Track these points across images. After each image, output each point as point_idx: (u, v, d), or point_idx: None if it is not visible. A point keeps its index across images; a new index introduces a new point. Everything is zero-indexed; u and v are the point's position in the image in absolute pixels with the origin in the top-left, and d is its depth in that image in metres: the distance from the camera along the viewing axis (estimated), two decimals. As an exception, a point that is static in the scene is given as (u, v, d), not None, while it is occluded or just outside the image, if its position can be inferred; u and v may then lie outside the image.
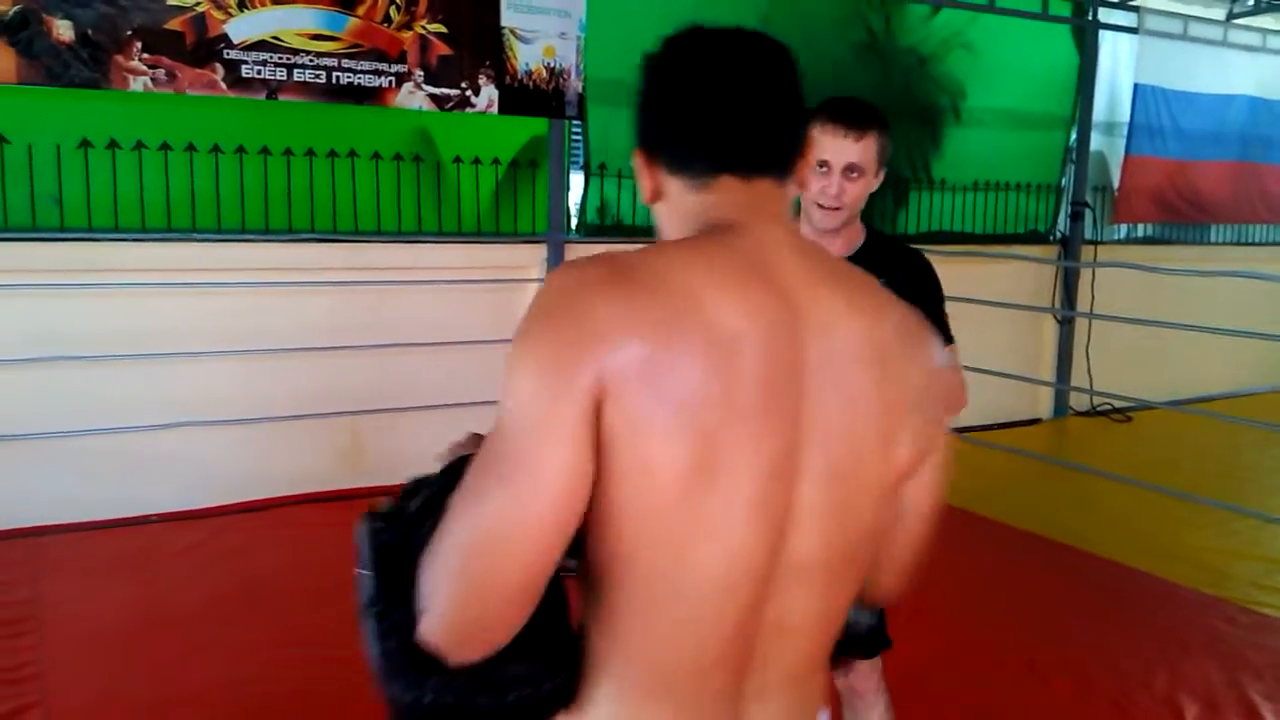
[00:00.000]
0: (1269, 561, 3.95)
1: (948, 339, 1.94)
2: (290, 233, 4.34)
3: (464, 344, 4.57)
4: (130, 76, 3.75)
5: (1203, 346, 5.77)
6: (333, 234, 4.42)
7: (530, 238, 4.83)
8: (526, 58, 4.48)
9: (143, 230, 4.05)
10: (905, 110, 5.88)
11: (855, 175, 1.84)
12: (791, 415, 0.88)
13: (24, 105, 3.85)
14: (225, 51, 3.87)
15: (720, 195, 0.96)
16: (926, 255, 1.98)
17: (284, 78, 3.97)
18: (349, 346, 4.37)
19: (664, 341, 0.83)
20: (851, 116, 1.83)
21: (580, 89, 4.63)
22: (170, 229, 4.10)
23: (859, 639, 1.86)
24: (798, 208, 1.95)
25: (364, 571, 0.99)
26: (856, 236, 1.95)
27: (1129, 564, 3.87)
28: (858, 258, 1.89)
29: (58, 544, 3.74)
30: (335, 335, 4.35)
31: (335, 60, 4.04)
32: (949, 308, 1.99)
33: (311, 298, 4.30)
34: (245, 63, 3.90)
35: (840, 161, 1.82)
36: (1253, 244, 7.68)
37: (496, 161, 4.79)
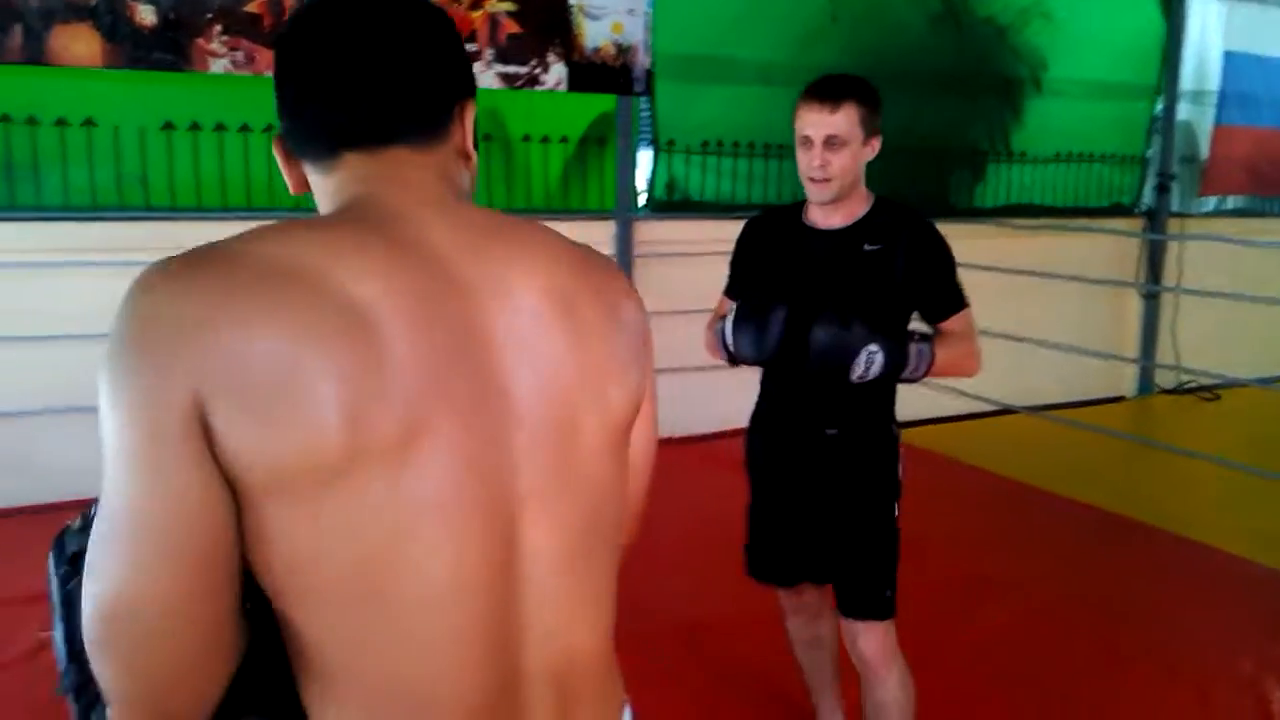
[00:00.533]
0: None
1: (959, 304, 1.98)
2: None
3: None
4: (210, 59, 3.84)
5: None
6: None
7: (599, 214, 4.84)
8: (594, 35, 4.47)
9: (224, 209, 4.16)
10: (983, 81, 5.72)
11: (837, 145, 1.88)
12: (479, 393, 0.77)
13: (109, 89, 3.97)
14: (300, 33, 3.94)
15: (348, 172, 0.85)
16: (935, 225, 2.01)
17: (357, 58, 4.03)
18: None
19: (279, 330, 0.70)
20: (826, 90, 1.89)
21: (648, 65, 4.61)
22: (250, 207, 4.20)
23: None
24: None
25: (55, 632, 0.80)
26: (860, 207, 1.98)
27: (1216, 546, 3.74)
28: (859, 227, 1.95)
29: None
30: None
31: (407, 39, 4.09)
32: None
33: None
34: (320, 44, 3.97)
35: (820, 134, 1.88)
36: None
37: (565, 139, 4.80)
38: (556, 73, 4.42)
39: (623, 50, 4.55)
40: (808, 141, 1.90)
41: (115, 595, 0.69)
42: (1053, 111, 5.83)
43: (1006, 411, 5.28)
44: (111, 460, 0.70)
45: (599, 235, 4.77)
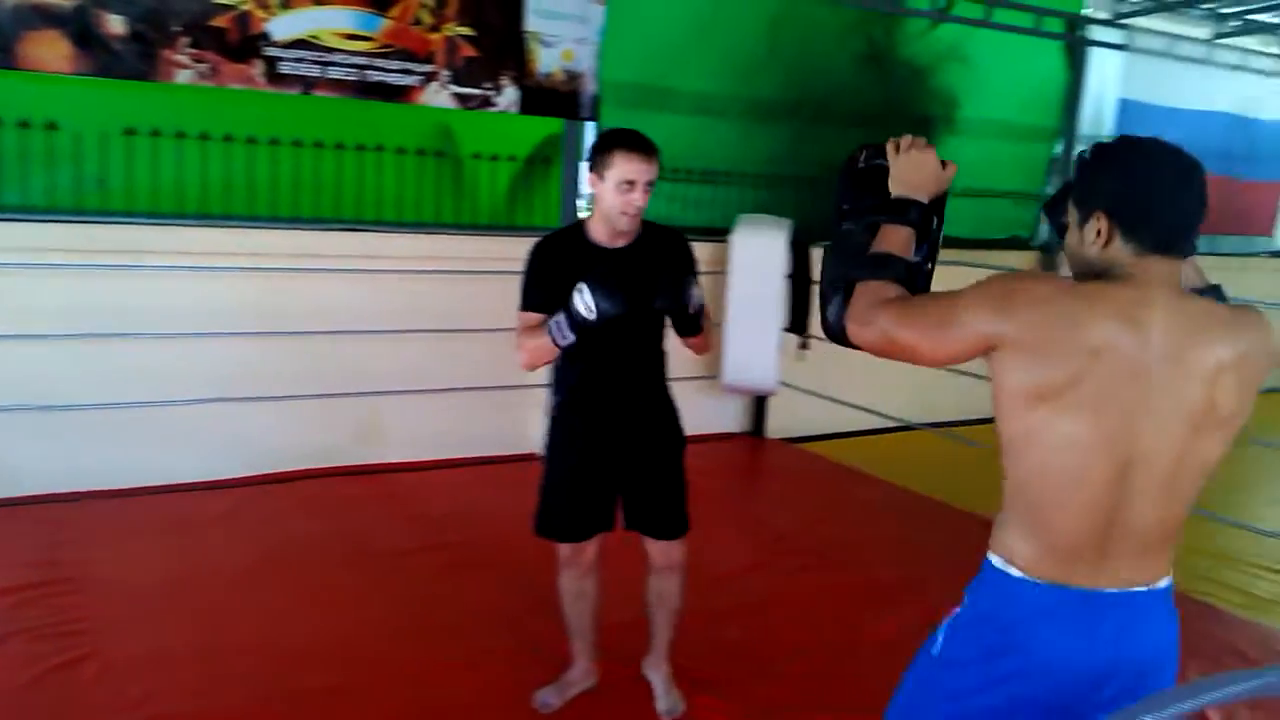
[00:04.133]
0: (1215, 557, 4.28)
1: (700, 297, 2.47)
2: (319, 221, 4.57)
3: (478, 331, 4.83)
4: (175, 69, 3.97)
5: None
6: (358, 223, 4.66)
7: (543, 230, 5.07)
8: (547, 61, 4.72)
9: (180, 215, 4.28)
10: (902, 119, 6.15)
11: (649, 188, 2.36)
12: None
13: (73, 94, 4.05)
14: (265, 48, 4.10)
15: (1151, 266, 1.44)
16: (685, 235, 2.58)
17: (318, 74, 4.20)
18: (371, 331, 4.62)
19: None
20: (646, 145, 2.35)
21: (595, 91, 4.87)
22: (206, 214, 4.33)
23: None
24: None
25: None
26: (637, 230, 2.46)
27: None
28: (637, 244, 2.46)
29: (97, 509, 4.00)
30: (359, 319, 4.59)
31: (367, 59, 4.27)
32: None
33: (337, 283, 4.54)
34: (283, 59, 4.13)
35: (644, 180, 2.34)
36: (1224, 255, 8.01)
37: (513, 158, 5.03)
38: (509, 95, 4.65)
39: (572, 77, 4.80)
40: (632, 185, 2.33)
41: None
42: (963, 149, 6.30)
43: (907, 428, 5.70)
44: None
45: (542, 250, 5.01)
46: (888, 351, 1.55)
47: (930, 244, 1.69)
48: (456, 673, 2.91)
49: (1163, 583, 1.50)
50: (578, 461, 2.58)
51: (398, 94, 4.38)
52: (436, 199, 4.86)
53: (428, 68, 4.42)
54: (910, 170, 1.64)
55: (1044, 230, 6.80)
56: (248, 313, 4.35)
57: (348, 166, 4.64)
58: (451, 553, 3.77)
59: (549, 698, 2.74)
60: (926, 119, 6.21)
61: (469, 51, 4.50)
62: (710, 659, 3.01)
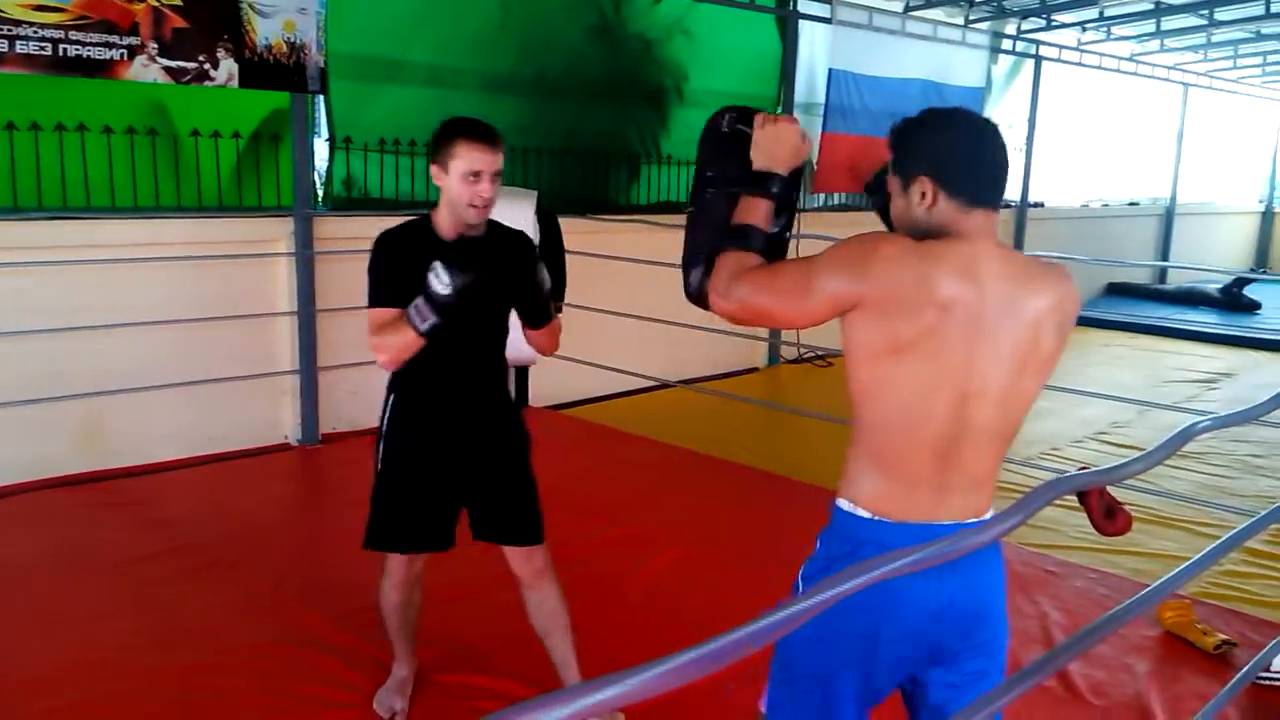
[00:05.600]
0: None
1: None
2: (17, 210, 4.14)
3: (208, 320, 4.57)
4: None
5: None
6: (63, 211, 4.26)
7: (276, 211, 4.86)
8: (266, 31, 4.49)
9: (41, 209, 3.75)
10: (636, 91, 6.35)
11: (495, 178, 2.26)
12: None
13: None
14: (-68, 18, 3.64)
15: (976, 218, 1.61)
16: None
17: (5, 49, 3.78)
18: (86, 327, 4.26)
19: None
20: (489, 134, 2.26)
21: (320, 63, 4.69)
22: (66, 207, 3.83)
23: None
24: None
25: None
26: (483, 226, 2.39)
27: (830, 487, 4.56)
28: (489, 237, 2.34)
29: None
30: (69, 315, 4.22)
31: (62, 32, 3.89)
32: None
33: (43, 277, 4.15)
34: (-44, 31, 3.69)
35: (491, 170, 2.24)
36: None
37: (237, 135, 4.76)
38: (227, 68, 4.38)
39: (295, 48, 4.60)
40: (479, 175, 2.23)
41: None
42: (693, 119, 6.59)
43: (663, 386, 5.96)
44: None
45: (276, 232, 4.80)
46: (749, 319, 1.64)
47: (788, 215, 1.76)
48: (211, 676, 2.78)
49: (988, 515, 1.64)
50: (420, 463, 2.43)
51: (99, 69, 4.02)
52: (154, 180, 4.52)
53: (132, 40, 4.08)
54: (773, 142, 1.70)
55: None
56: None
57: (47, 150, 4.22)
58: (190, 556, 3.57)
59: (394, 702, 2.64)
60: (659, 90, 6.44)
61: (178, 22, 4.20)
62: (485, 630, 3.05)
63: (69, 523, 3.87)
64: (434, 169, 2.27)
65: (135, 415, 4.47)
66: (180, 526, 3.85)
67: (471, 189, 2.24)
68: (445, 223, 2.32)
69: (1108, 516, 1.94)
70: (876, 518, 1.59)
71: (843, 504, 1.64)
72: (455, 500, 2.47)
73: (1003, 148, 1.60)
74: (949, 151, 1.58)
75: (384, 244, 2.34)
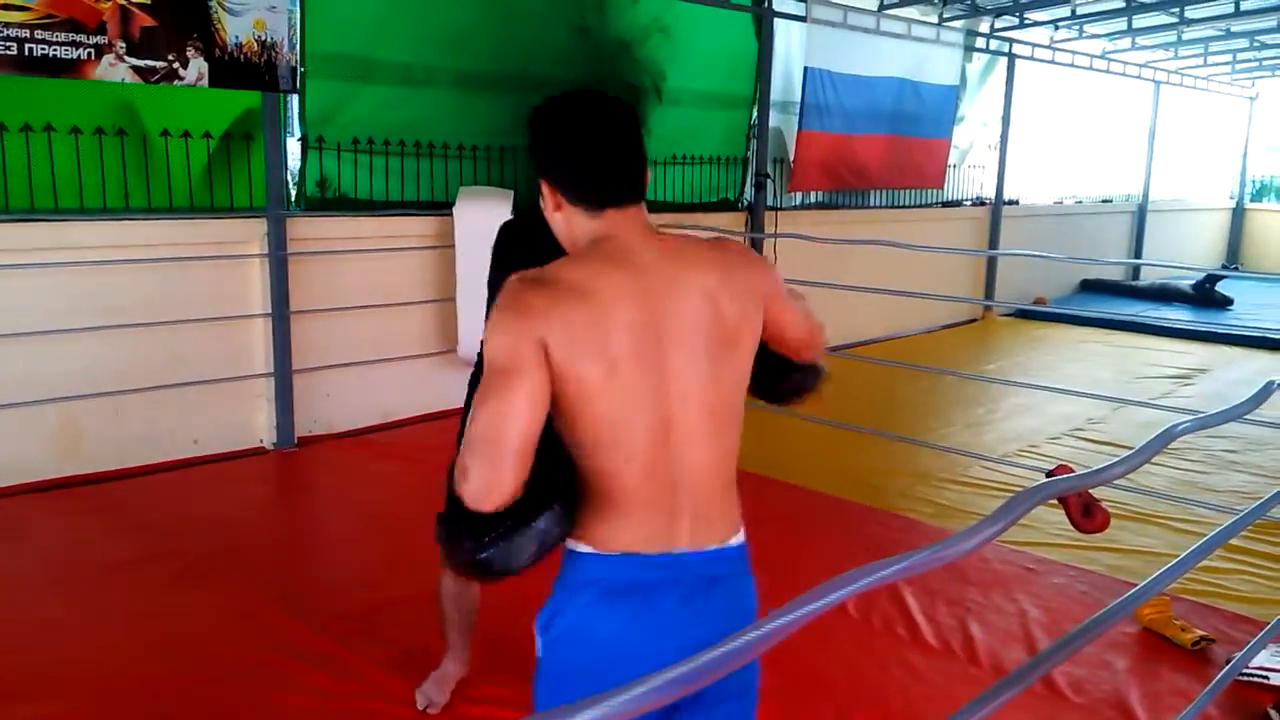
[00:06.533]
0: (914, 475, 4.81)
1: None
2: (-20, 212, 4.07)
3: (180, 323, 4.50)
4: None
5: (852, 300, 6.61)
6: (31, 213, 4.19)
7: (249, 212, 4.80)
8: (236, 30, 4.42)
9: None
10: (616, 90, 6.29)
11: None
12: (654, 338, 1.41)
13: None
14: (-108, 16, 3.56)
15: (607, 219, 1.48)
16: None
17: (-34, 47, 3.71)
18: (58, 331, 4.19)
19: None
20: None
21: (293, 62, 4.64)
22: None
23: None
24: None
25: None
26: None
27: (806, 486, 4.58)
28: None
29: None
30: (40, 319, 4.15)
31: (27, 31, 3.82)
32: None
33: (11, 280, 4.08)
34: (-83, 29, 3.61)
35: None
36: (901, 207, 8.91)
37: (208, 135, 4.69)
38: (197, 68, 4.32)
39: (266, 46, 4.54)
40: None
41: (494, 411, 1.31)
42: (671, 118, 6.58)
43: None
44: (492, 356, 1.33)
45: (249, 233, 4.74)
46: (507, 474, 1.31)
47: None
48: (192, 684, 2.74)
49: (734, 540, 1.50)
50: None
51: (66, 69, 3.95)
52: (122, 181, 4.45)
53: (99, 39, 4.01)
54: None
55: (750, 192, 7.25)
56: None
57: (13, 151, 4.14)
58: (169, 562, 3.52)
59: (433, 694, 2.62)
60: (638, 89, 6.42)
61: (146, 20, 4.14)
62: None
63: (45, 530, 3.81)
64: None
65: (110, 420, 4.40)
66: (158, 533, 3.79)
67: None
68: None
69: (1086, 514, 1.95)
70: (601, 553, 1.42)
71: (571, 544, 1.44)
72: None
73: (626, 135, 1.45)
74: (557, 150, 1.45)
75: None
